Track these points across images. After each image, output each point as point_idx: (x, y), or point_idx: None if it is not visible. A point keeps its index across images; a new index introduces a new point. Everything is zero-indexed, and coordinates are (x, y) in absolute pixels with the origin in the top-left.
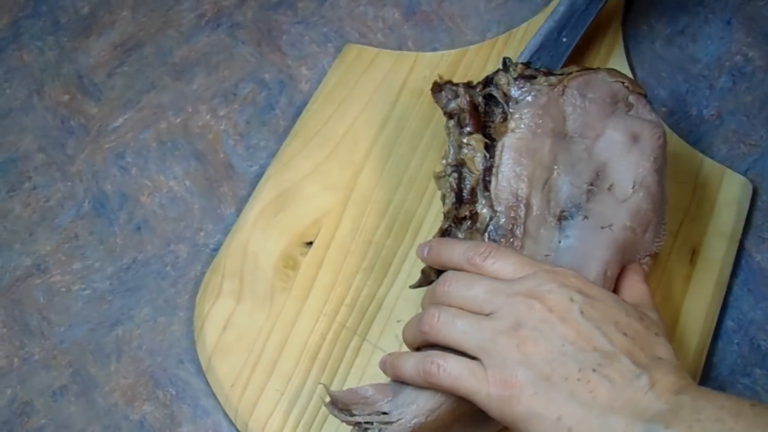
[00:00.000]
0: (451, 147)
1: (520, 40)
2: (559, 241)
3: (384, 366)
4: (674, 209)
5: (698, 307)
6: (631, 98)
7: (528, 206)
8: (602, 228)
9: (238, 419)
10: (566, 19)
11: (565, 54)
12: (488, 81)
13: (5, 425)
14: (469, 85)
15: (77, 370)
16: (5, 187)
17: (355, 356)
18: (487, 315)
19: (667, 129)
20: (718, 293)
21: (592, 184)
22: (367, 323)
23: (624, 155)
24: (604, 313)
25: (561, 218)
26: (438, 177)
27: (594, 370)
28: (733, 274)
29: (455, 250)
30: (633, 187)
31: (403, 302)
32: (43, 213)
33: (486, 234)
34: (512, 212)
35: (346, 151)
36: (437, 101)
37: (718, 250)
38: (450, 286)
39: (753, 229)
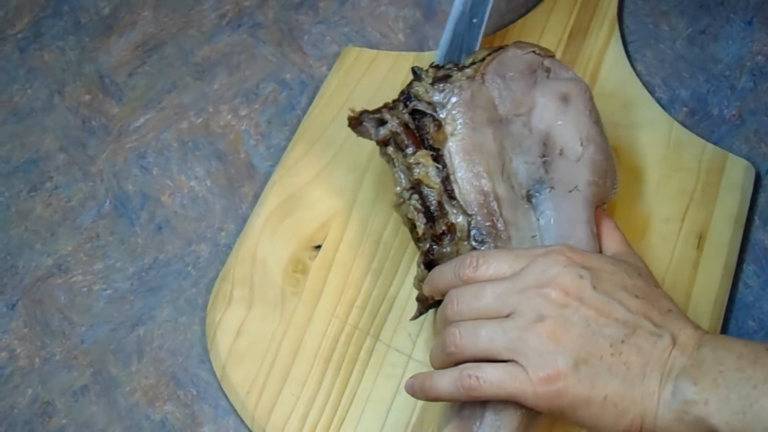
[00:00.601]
0: (399, 172)
1: (517, 36)
2: (538, 219)
3: (412, 389)
4: (679, 196)
5: (707, 292)
6: (546, 63)
7: (497, 198)
8: (570, 192)
9: (255, 425)
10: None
11: (479, 34)
12: (407, 96)
13: (27, 425)
14: (390, 107)
15: (98, 370)
16: (27, 187)
17: (369, 357)
18: (505, 317)
19: (665, 116)
20: (726, 277)
21: (544, 156)
22: (380, 323)
23: (561, 118)
24: (612, 282)
25: (530, 198)
26: (397, 206)
27: (623, 342)
28: (756, 274)
29: (445, 273)
30: (581, 144)
31: (415, 301)
32: (64, 213)
33: (471, 239)
34: (485, 209)
35: (350, 154)
36: (362, 134)
37: (724, 235)
38: (458, 304)
39: None
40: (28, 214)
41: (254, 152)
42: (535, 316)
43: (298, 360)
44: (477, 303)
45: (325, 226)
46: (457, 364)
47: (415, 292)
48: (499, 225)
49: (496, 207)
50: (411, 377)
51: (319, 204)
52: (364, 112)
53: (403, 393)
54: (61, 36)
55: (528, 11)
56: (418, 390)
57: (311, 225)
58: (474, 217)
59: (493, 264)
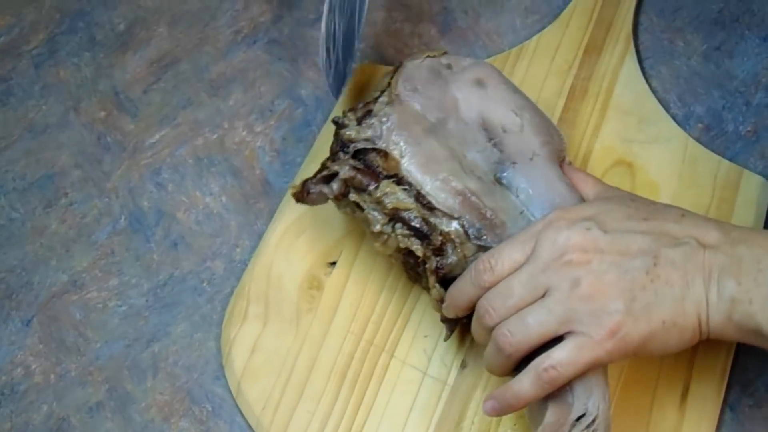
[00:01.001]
0: (371, 212)
1: (533, 53)
2: (518, 195)
3: (496, 409)
4: (694, 212)
5: None
6: (444, 61)
7: (473, 193)
8: (531, 159)
9: None
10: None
11: (359, 26)
12: (343, 144)
13: None
14: (333, 160)
15: (113, 387)
16: (42, 203)
17: (384, 373)
18: (541, 297)
19: (681, 132)
20: None
21: (491, 139)
22: (395, 340)
23: (486, 100)
24: (615, 218)
25: (499, 181)
26: (383, 243)
27: (655, 265)
28: None
29: (464, 288)
30: (517, 115)
31: (430, 317)
32: (79, 229)
33: (471, 238)
34: (468, 206)
35: None
36: (314, 202)
37: None
38: (493, 310)
39: None
40: (44, 231)
41: (269, 168)
42: (569, 283)
43: (314, 376)
44: (510, 300)
45: (340, 243)
46: (518, 361)
47: (431, 308)
48: (489, 214)
49: (476, 200)
50: (488, 399)
51: (333, 220)
52: (306, 181)
53: (418, 409)
54: (77, 52)
55: (543, 28)
56: (503, 406)
57: (326, 241)
58: (463, 217)
59: (506, 257)
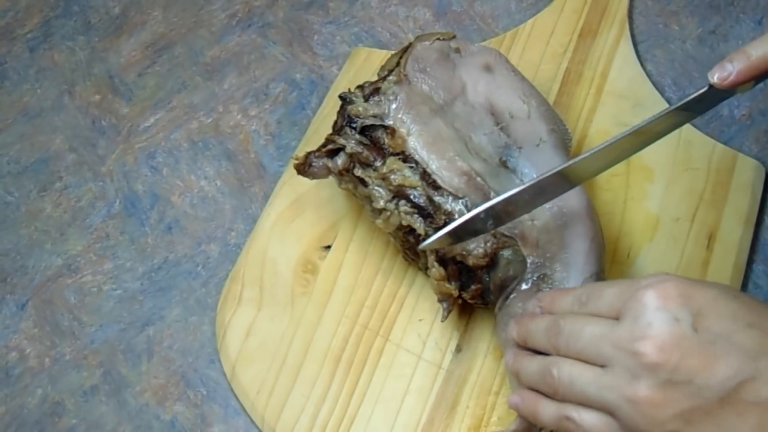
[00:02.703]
0: (375, 188)
1: (527, 36)
2: (521, 180)
3: (520, 409)
4: (688, 196)
5: None
6: (453, 44)
7: (478, 174)
8: (538, 146)
9: (265, 426)
10: None
11: None
12: (350, 119)
13: (36, 425)
14: (339, 133)
15: (108, 370)
16: (36, 187)
17: (379, 357)
18: (601, 367)
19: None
20: (736, 277)
21: (498, 123)
22: (389, 323)
23: (493, 85)
24: (718, 313)
25: (504, 164)
26: (385, 220)
27: (737, 391)
28: (765, 274)
29: (539, 325)
30: (524, 102)
31: (424, 301)
32: (74, 213)
33: None
34: (473, 186)
35: None
36: (315, 176)
37: (734, 234)
38: (559, 339)
39: None
40: (38, 214)
41: (264, 152)
42: (628, 376)
43: (308, 360)
44: (576, 345)
45: (334, 226)
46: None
47: (425, 292)
48: (492, 196)
49: (481, 181)
50: (520, 395)
51: (328, 204)
52: (309, 153)
53: (412, 393)
54: (71, 36)
55: (538, 12)
56: (526, 413)
57: (321, 225)
58: (467, 197)
59: (599, 300)
